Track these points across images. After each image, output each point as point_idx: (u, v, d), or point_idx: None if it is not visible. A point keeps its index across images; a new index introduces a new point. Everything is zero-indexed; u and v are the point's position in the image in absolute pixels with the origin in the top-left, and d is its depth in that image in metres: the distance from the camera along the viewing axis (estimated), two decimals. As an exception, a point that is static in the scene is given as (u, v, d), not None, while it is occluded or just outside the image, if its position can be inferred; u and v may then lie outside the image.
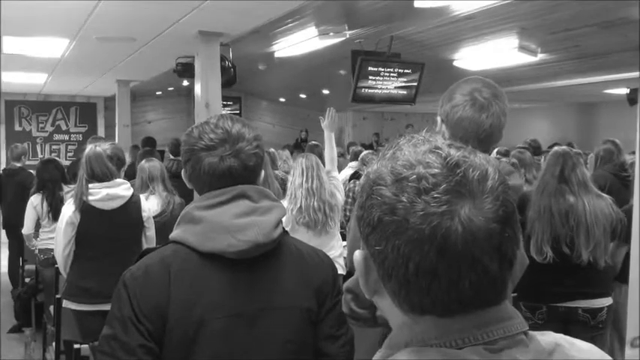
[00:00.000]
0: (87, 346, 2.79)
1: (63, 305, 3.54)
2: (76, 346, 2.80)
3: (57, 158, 7.28)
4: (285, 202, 4.02)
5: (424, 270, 0.72)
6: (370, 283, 0.81)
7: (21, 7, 4.37)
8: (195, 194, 1.59)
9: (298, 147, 11.84)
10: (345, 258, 4.16)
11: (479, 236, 0.71)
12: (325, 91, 12.31)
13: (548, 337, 0.81)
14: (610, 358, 0.84)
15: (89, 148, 3.47)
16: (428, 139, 0.78)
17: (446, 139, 0.81)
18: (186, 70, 6.30)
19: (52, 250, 4.07)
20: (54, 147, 11.90)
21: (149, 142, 8.54)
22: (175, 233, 1.50)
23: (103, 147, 3.49)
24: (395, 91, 7.77)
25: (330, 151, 4.55)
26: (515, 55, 7.23)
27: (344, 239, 4.44)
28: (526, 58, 7.30)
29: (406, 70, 7.69)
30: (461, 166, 0.73)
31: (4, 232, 7.09)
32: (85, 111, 12.11)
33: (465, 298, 0.73)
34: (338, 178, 4.47)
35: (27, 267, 5.83)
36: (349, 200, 5.23)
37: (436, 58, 7.74)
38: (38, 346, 5.25)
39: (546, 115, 13.44)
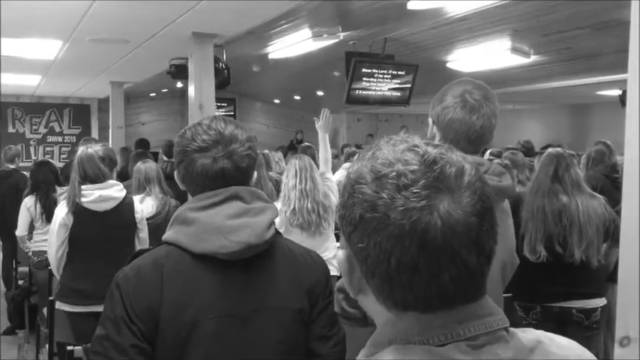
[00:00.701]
0: (80, 347, 2.79)
1: (56, 307, 3.54)
2: (70, 347, 2.80)
3: (51, 160, 7.27)
4: (278, 204, 4.02)
5: (405, 265, 0.73)
6: (354, 281, 0.82)
7: (14, 9, 4.36)
8: (188, 195, 1.60)
9: (293, 148, 11.83)
10: (339, 259, 4.15)
11: (458, 230, 0.73)
12: (319, 93, 12.32)
13: (529, 335, 0.82)
14: (589, 353, 0.85)
15: (81, 149, 3.46)
16: (406, 140, 0.80)
17: (434, 140, 0.83)
18: (179, 71, 6.29)
19: (45, 252, 4.06)
20: (47, 149, 11.86)
21: (142, 143, 8.51)
22: (168, 234, 1.51)
23: (95, 148, 3.48)
24: (389, 93, 7.79)
25: (325, 152, 4.55)
26: (509, 57, 7.26)
27: (338, 240, 4.44)
28: (519, 60, 7.33)
29: (400, 72, 7.71)
30: (438, 163, 0.75)
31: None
32: (79, 113, 12.08)
33: (446, 293, 0.74)
34: (332, 180, 4.48)
35: (20, 269, 5.81)
36: (343, 201, 5.22)
37: (430, 60, 7.76)
38: (32, 347, 5.23)
39: (539, 116, 13.48)
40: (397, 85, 7.78)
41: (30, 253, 5.09)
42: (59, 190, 5.06)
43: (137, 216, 3.58)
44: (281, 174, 4.84)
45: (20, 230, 5.03)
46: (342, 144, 10.76)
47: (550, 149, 3.53)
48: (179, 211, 1.53)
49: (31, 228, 5.08)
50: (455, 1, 5.30)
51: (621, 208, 1.73)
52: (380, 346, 0.78)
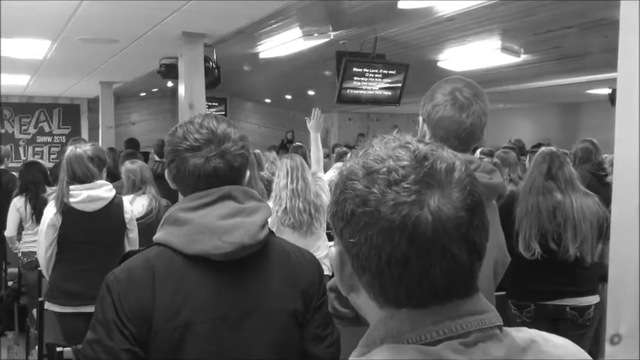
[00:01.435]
0: (70, 349, 2.77)
1: (45, 307, 3.52)
2: (59, 349, 2.78)
3: (40, 160, 7.22)
4: (270, 204, 4.01)
5: (396, 259, 0.73)
6: (345, 277, 0.82)
7: (2, 9, 4.33)
8: (179, 195, 1.58)
9: (284, 148, 11.83)
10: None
11: (448, 225, 0.73)
12: (310, 92, 12.31)
13: (523, 334, 0.82)
14: (584, 352, 0.85)
15: (70, 149, 3.45)
16: (398, 138, 0.81)
17: (425, 138, 0.83)
18: (170, 71, 6.27)
19: (35, 252, 4.04)
20: (37, 149, 11.79)
21: (132, 143, 8.48)
22: (159, 235, 1.48)
23: (84, 148, 3.47)
24: (380, 92, 7.80)
25: (316, 151, 4.55)
26: (499, 56, 7.29)
27: (331, 240, 4.44)
28: (509, 59, 7.35)
29: (391, 71, 7.72)
30: (429, 159, 0.76)
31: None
32: (69, 112, 12.01)
33: (437, 289, 0.75)
34: (324, 179, 4.47)
35: (10, 270, 5.77)
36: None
37: (420, 59, 7.77)
38: (21, 349, 5.20)
39: (529, 115, 13.53)
40: (388, 85, 7.78)
41: (20, 254, 5.06)
42: (49, 190, 5.03)
43: (126, 216, 3.57)
44: (274, 174, 4.84)
45: (9, 231, 5.00)
46: (333, 144, 10.75)
47: (543, 148, 3.54)
48: (170, 211, 1.51)
49: (21, 229, 5.04)
50: (445, 0, 5.31)
51: (611, 205, 1.74)
52: (372, 346, 0.78)
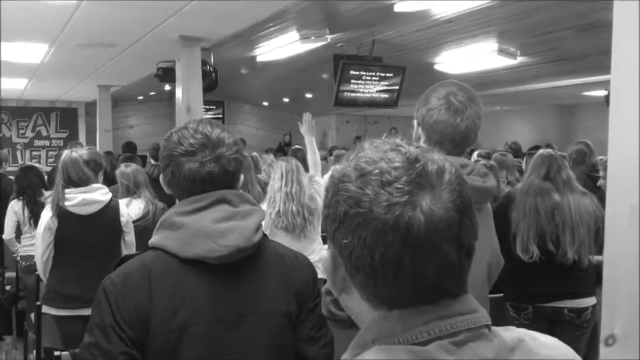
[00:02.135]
0: (67, 353, 2.77)
1: (43, 311, 3.52)
2: (57, 353, 2.78)
3: (37, 164, 7.21)
4: (264, 206, 4.01)
5: (389, 259, 0.74)
6: (338, 280, 0.83)
7: (1, 11, 4.33)
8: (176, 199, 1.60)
9: (281, 151, 11.84)
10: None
11: (440, 225, 0.75)
12: (308, 95, 12.32)
13: (511, 333, 0.83)
14: (574, 352, 0.86)
15: (65, 153, 3.46)
16: (388, 142, 0.82)
17: (419, 142, 0.85)
18: (167, 74, 6.28)
19: (33, 256, 4.04)
20: (34, 153, 11.77)
21: (130, 147, 8.47)
22: (155, 239, 1.50)
23: (80, 152, 3.47)
24: (377, 95, 7.81)
25: (313, 155, 4.55)
26: (495, 58, 7.31)
27: (326, 243, 4.42)
28: (506, 61, 7.37)
29: (388, 74, 7.74)
30: (420, 161, 0.78)
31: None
32: (66, 116, 11.99)
33: (429, 288, 0.76)
34: (321, 183, 4.47)
35: (7, 274, 5.77)
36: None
37: (417, 62, 7.79)
38: (19, 353, 5.19)
39: (526, 117, 13.55)
40: (385, 87, 7.80)
41: (18, 258, 5.06)
42: (45, 194, 5.03)
43: (122, 219, 3.57)
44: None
45: (7, 233, 5.01)
46: (330, 146, 10.75)
47: (541, 150, 3.54)
48: (166, 215, 1.52)
49: (19, 232, 5.04)
50: (442, 1, 5.32)
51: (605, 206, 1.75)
52: (364, 347, 0.78)
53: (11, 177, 6.45)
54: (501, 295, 3.37)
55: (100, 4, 4.20)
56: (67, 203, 3.35)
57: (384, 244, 0.74)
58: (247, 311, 1.49)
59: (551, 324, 3.26)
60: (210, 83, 6.17)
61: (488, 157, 6.00)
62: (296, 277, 1.58)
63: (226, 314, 1.46)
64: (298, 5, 5.20)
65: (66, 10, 4.36)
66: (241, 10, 4.38)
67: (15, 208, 4.99)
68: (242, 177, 1.61)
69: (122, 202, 3.78)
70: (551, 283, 3.25)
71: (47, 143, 11.88)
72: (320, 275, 1.76)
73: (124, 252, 3.52)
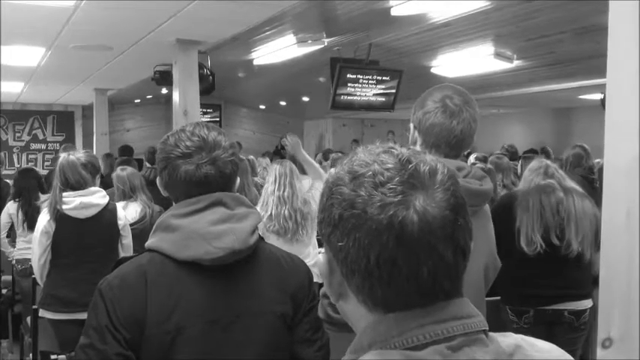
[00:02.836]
0: (64, 357, 2.77)
1: (39, 315, 3.51)
2: (53, 357, 2.78)
3: (34, 167, 7.21)
4: (257, 209, 3.98)
5: (384, 260, 0.75)
6: (334, 284, 0.83)
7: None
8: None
9: (278, 154, 11.83)
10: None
11: (434, 225, 0.75)
12: (305, 98, 12.34)
13: (508, 339, 0.83)
14: (569, 356, 0.86)
15: (63, 156, 3.45)
16: (381, 145, 0.83)
17: (416, 145, 0.85)
18: (164, 77, 6.27)
19: (29, 260, 4.03)
20: (31, 156, 11.74)
21: (126, 150, 8.47)
22: (151, 242, 1.50)
23: (77, 155, 3.47)
24: (374, 98, 7.82)
25: (310, 166, 4.49)
26: (492, 62, 7.33)
27: (321, 246, 4.40)
28: (502, 65, 7.39)
29: (384, 77, 7.75)
30: (412, 162, 0.78)
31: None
32: (63, 120, 11.98)
33: (425, 288, 0.76)
34: (319, 189, 4.43)
35: (3, 278, 5.75)
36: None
37: (414, 65, 7.80)
38: (15, 357, 5.17)
39: (523, 120, 13.58)
40: (382, 91, 7.81)
41: (14, 262, 5.05)
42: (42, 197, 5.02)
43: (120, 222, 3.57)
44: (266, 180, 4.82)
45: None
46: (325, 149, 10.73)
47: (534, 161, 3.55)
48: (162, 217, 1.53)
49: (14, 235, 5.03)
50: (439, 2, 5.33)
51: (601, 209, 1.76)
52: (360, 351, 0.78)
53: (7, 180, 6.45)
54: (498, 298, 3.37)
55: (97, 7, 4.20)
56: (64, 207, 3.34)
57: (379, 244, 0.75)
58: (242, 312, 1.49)
59: (550, 327, 3.26)
60: (207, 86, 6.17)
61: (484, 160, 6.01)
62: (292, 280, 1.58)
63: (221, 315, 1.47)
64: (295, 9, 5.21)
65: (63, 13, 4.36)
66: (238, 13, 4.39)
67: (10, 210, 4.99)
68: (238, 180, 1.61)
69: (119, 205, 3.78)
70: (551, 284, 3.25)
71: (44, 147, 11.86)
72: (315, 279, 1.76)
73: (122, 255, 3.51)
